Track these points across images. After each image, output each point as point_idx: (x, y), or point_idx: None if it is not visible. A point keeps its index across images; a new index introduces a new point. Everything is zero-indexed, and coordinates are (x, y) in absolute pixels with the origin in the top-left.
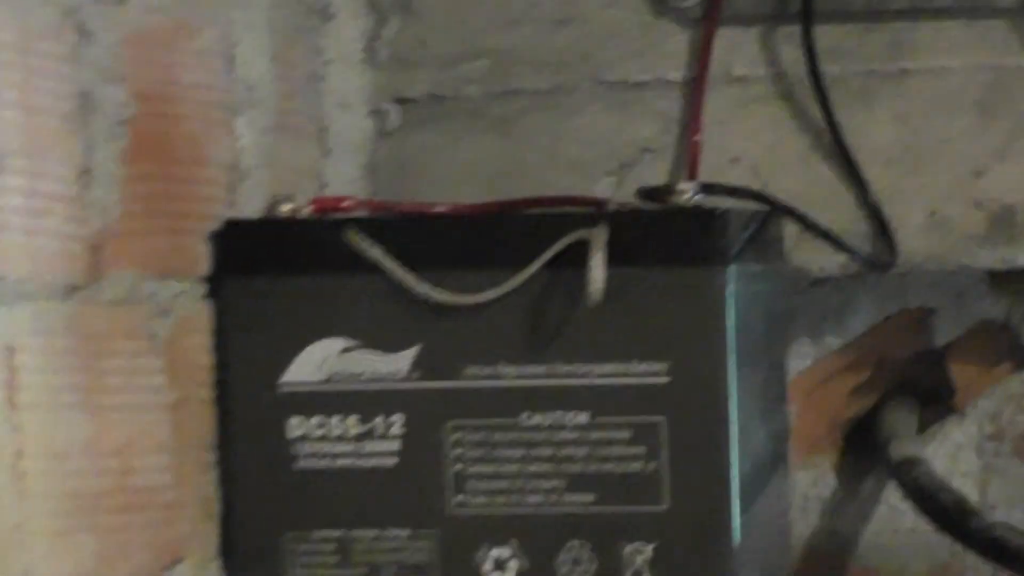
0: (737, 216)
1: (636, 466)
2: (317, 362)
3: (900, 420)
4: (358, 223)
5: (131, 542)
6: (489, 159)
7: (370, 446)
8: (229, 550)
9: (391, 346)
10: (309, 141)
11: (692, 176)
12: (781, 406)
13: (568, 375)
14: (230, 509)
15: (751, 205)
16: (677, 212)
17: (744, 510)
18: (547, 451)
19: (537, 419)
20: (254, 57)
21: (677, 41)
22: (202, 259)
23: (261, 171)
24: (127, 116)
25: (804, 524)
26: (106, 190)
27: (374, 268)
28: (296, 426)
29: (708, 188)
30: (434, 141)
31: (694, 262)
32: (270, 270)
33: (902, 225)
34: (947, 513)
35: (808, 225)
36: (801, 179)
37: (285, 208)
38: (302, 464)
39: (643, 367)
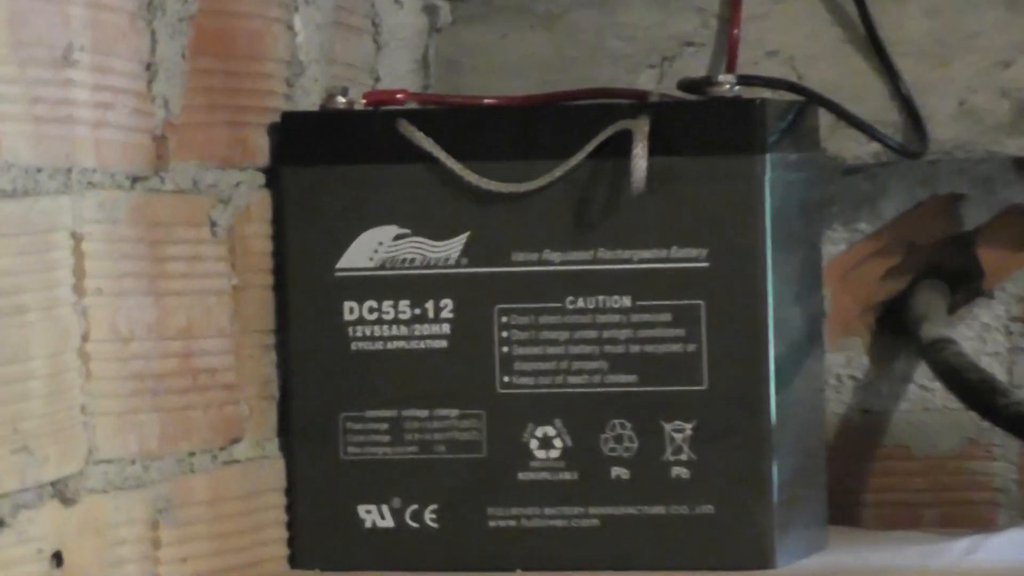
0: (774, 107)
1: (676, 348)
2: (371, 249)
3: (930, 302)
4: (410, 115)
5: (193, 421)
6: (536, 54)
7: (421, 329)
8: (286, 429)
9: (441, 233)
10: (363, 37)
11: (731, 69)
12: (816, 290)
13: (611, 260)
14: (287, 390)
15: (788, 96)
16: (717, 103)
17: (780, 389)
18: (591, 333)
19: (581, 303)
20: None
21: None
22: (261, 150)
23: (317, 66)
24: (190, 13)
25: (838, 403)
26: (170, 84)
27: (425, 158)
28: (350, 310)
29: (746, 80)
30: (483, 36)
31: (733, 151)
32: (326, 161)
33: (932, 115)
34: (976, 391)
35: (842, 115)
36: (836, 71)
37: (340, 101)
38: (356, 346)
39: (683, 252)
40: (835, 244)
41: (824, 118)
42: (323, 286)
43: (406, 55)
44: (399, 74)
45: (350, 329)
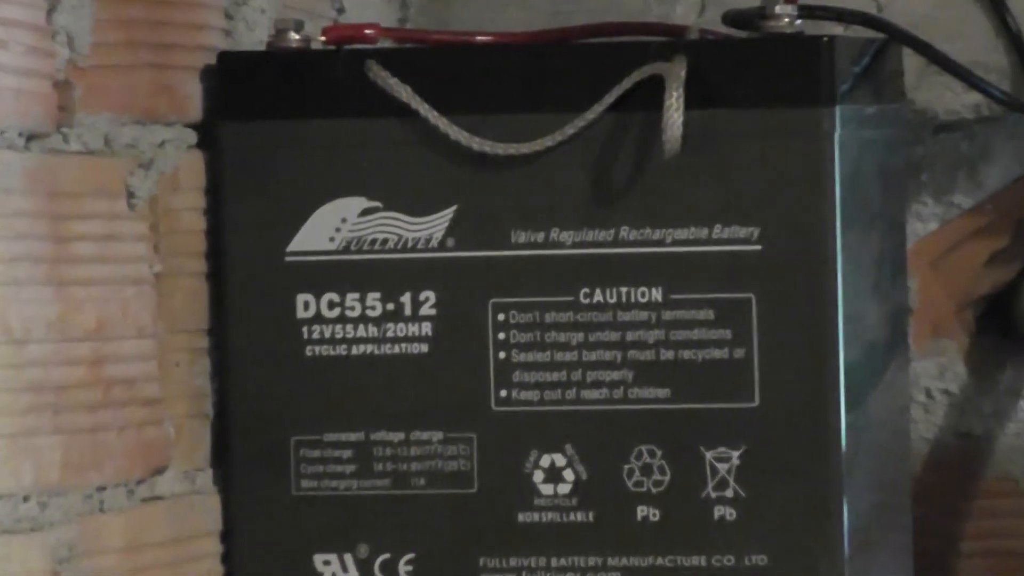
0: (847, 45)
1: (720, 354)
2: (331, 227)
3: None
4: (382, 56)
5: (104, 446)
6: None
7: (395, 329)
8: (224, 456)
9: (421, 207)
10: None
11: None
12: (899, 280)
13: (638, 242)
14: (225, 406)
15: (864, 32)
16: (773, 41)
17: (852, 408)
18: (612, 335)
19: (599, 296)
20: None
21: None
22: (192, 100)
23: None
24: None
25: (927, 424)
26: (75, 15)
27: (401, 112)
28: (306, 305)
29: (811, 11)
30: None
31: (793, 103)
32: (275, 114)
33: None
34: None
35: (934, 57)
36: (926, 0)
37: (293, 38)
38: (313, 351)
39: (729, 232)
40: (924, 221)
41: (910, 61)
42: (271, 274)
43: None
44: (369, 3)
45: (305, 329)
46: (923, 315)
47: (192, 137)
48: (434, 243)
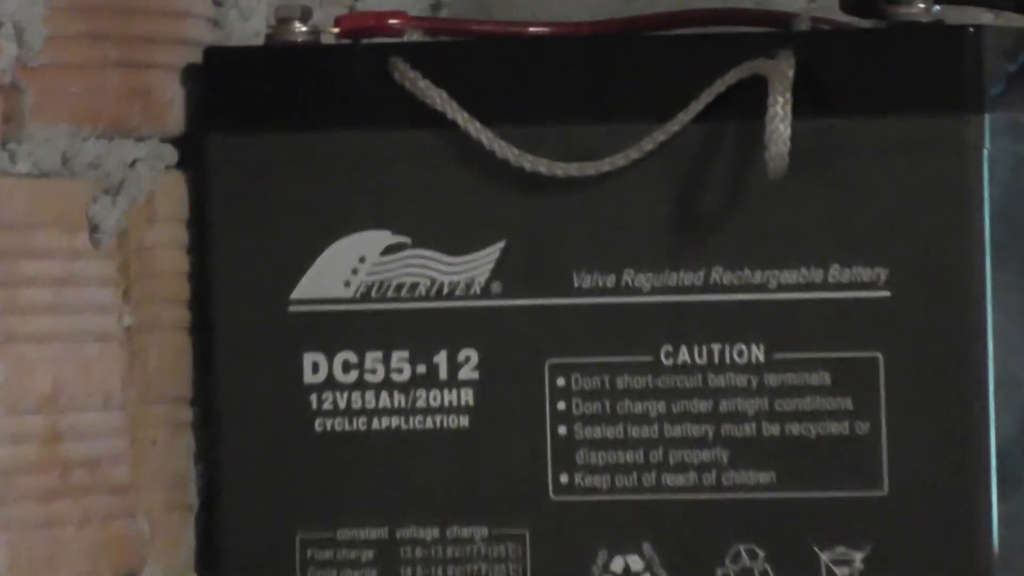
0: (998, 37)
1: (838, 428)
2: (347, 269)
3: None
4: (410, 51)
5: (61, 544)
6: None
7: (427, 398)
8: (211, 559)
9: (461, 244)
10: None
11: None
12: None
13: (734, 287)
14: (213, 495)
15: (1018, 20)
16: (904, 32)
17: (1006, 496)
18: (701, 405)
19: (685, 356)
20: None
21: None
22: (172, 108)
23: None
24: None
25: None
26: (25, 1)
27: (435, 122)
28: (315, 367)
29: None
30: None
31: (930, 110)
32: (275, 125)
33: None
34: None
35: None
36: None
37: (299, 29)
38: (323, 425)
39: (850, 274)
40: None
41: None
42: (271, 328)
43: None
44: None
45: (314, 397)
46: None
47: (171, 155)
48: (476, 289)
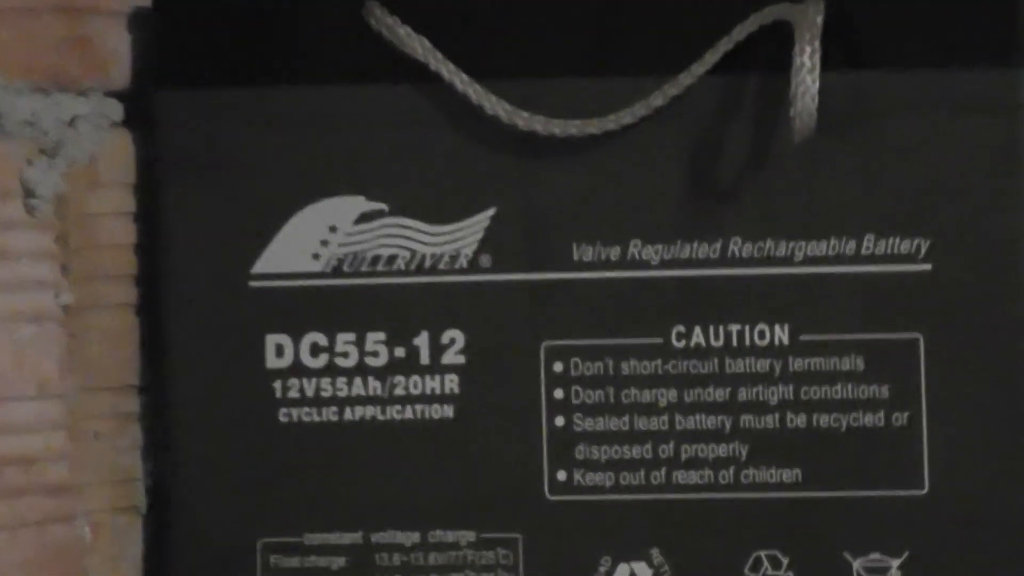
0: None
1: (873, 419)
2: (315, 239)
3: None
4: None
5: None
6: None
7: (407, 385)
8: (161, 565)
9: (445, 211)
10: None
11: None
12: None
13: (754, 260)
14: (164, 495)
15: None
16: None
17: None
18: (717, 393)
19: (699, 337)
20: None
21: None
22: (116, 58)
23: None
24: None
25: None
26: None
27: (416, 74)
28: (279, 351)
29: None
30: None
31: (976, 62)
32: (234, 79)
33: None
34: None
35: None
36: None
37: None
38: (289, 417)
39: (886, 246)
40: None
41: None
42: (229, 307)
43: None
44: None
45: (278, 385)
46: None
47: (117, 111)
48: (463, 262)
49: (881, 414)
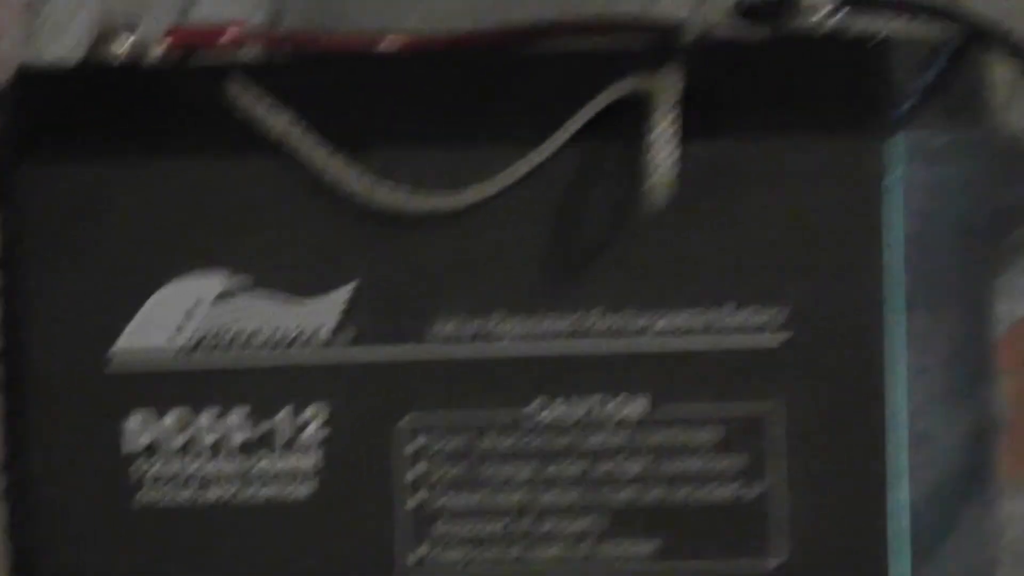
0: (910, 48)
1: (728, 492)
2: (177, 315)
3: None
4: (250, 69)
5: None
6: None
7: (268, 462)
8: None
9: (307, 286)
10: None
11: None
12: (983, 382)
13: (613, 332)
14: None
15: (932, 28)
16: (804, 43)
17: (918, 567)
18: (576, 467)
19: (561, 409)
20: None
21: None
22: None
23: None
24: None
25: None
26: None
27: (277, 148)
28: (139, 428)
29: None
30: None
31: (834, 130)
32: (95, 153)
33: None
34: None
35: None
36: None
37: (123, 44)
38: (147, 498)
39: (743, 316)
40: (1019, 299)
41: (1000, 69)
42: (88, 385)
43: None
44: None
45: (137, 465)
46: (1019, 432)
47: None
48: (324, 336)
49: (739, 486)
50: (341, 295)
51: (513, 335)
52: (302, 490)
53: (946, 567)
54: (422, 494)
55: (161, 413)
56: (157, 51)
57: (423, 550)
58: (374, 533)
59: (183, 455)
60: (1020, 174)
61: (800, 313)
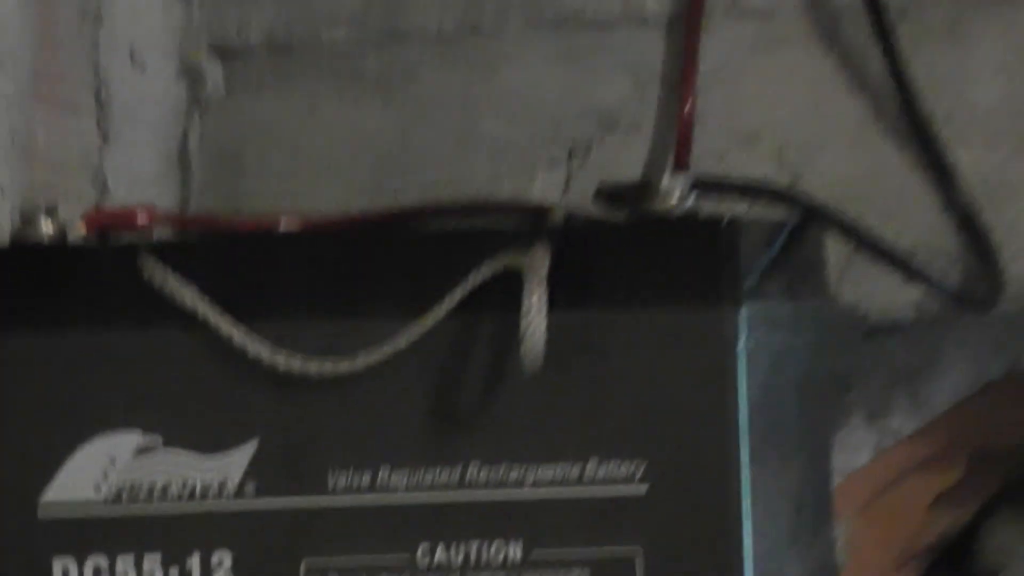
0: (753, 228)
1: None
2: (97, 470)
3: (1012, 542)
4: (159, 248)
5: None
6: (363, 141)
7: None
8: None
9: (213, 443)
10: (83, 119)
11: (682, 165)
12: (824, 528)
13: (491, 484)
14: None
15: (775, 210)
16: (658, 224)
17: None
18: None
19: (442, 555)
20: None
21: None
22: None
23: (5, 167)
24: None
25: None
26: None
27: (186, 320)
28: (64, 573)
29: (708, 185)
30: (278, 113)
31: (686, 302)
32: (20, 326)
33: (1011, 239)
34: None
35: (865, 241)
36: (853, 167)
37: (44, 227)
38: None
39: (607, 469)
40: (855, 451)
41: (835, 246)
42: (19, 533)
43: (153, 147)
44: (142, 178)
45: None
46: (860, 567)
47: None
48: (230, 489)
49: None
50: (246, 451)
51: (401, 487)
52: None
53: None
54: None
55: (84, 557)
56: (76, 232)
57: None
58: None
59: None
60: (851, 343)
61: (659, 466)
